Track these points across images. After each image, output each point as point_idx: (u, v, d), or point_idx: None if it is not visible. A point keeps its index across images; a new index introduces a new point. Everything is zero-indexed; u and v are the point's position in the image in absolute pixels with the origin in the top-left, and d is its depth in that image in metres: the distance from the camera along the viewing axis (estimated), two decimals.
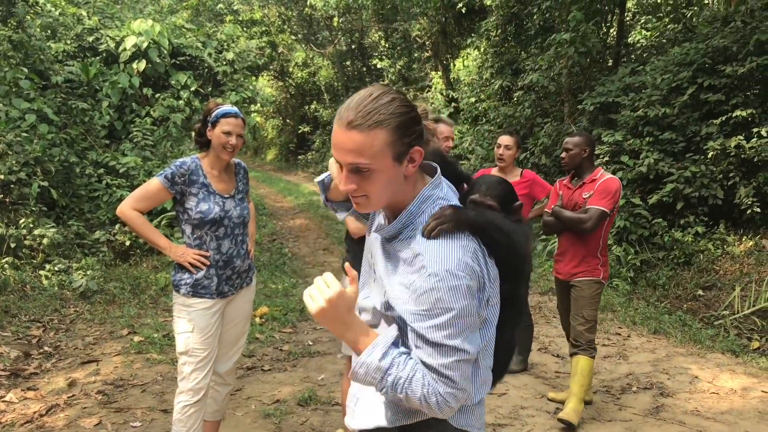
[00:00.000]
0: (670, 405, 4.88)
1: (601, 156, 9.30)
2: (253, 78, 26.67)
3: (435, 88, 18.75)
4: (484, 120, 14.88)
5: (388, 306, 1.73)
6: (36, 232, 8.00)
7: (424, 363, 1.61)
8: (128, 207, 3.40)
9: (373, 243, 1.85)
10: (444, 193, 1.75)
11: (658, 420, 4.61)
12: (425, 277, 1.57)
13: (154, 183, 3.41)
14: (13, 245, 7.77)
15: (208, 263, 3.44)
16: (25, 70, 9.67)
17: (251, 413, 4.64)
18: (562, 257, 4.72)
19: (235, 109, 3.51)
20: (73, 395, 4.94)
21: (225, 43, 13.93)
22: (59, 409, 4.70)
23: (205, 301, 3.45)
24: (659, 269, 8.14)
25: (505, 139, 5.32)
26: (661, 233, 8.36)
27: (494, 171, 5.48)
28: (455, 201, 1.77)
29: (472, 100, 15.68)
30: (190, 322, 3.44)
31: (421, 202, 1.71)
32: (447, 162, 1.93)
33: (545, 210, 4.81)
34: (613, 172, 8.95)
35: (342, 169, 1.63)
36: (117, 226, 9.04)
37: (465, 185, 1.98)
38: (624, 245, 8.53)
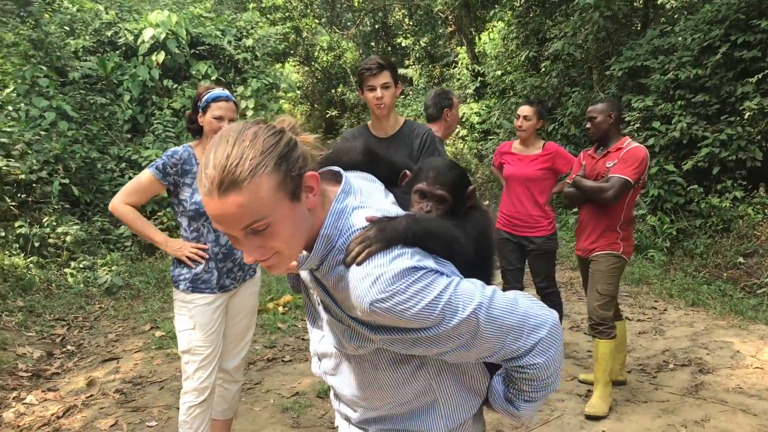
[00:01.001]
0: (710, 382, 4.61)
1: (632, 123, 8.94)
2: (279, 65, 26.60)
3: (461, 63, 18.39)
4: (512, 93, 14.52)
5: (351, 338, 1.50)
6: (59, 230, 7.99)
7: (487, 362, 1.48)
8: (120, 201, 3.26)
9: (307, 278, 1.60)
10: (360, 200, 1.49)
11: (698, 399, 4.36)
12: (373, 308, 1.33)
13: (146, 175, 3.26)
14: (37, 244, 7.77)
15: (207, 256, 3.28)
16: (44, 68, 9.64)
17: (269, 407, 4.51)
18: (581, 232, 4.47)
19: (225, 92, 3.32)
20: (92, 395, 4.87)
21: (245, 30, 13.77)
22: (77, 410, 4.63)
23: (206, 297, 3.29)
24: (696, 238, 7.79)
25: (524, 110, 5.06)
26: (698, 200, 8.00)
27: (515, 143, 5.23)
28: (376, 198, 1.53)
29: (499, 73, 15.31)
30: (191, 318, 3.30)
31: (334, 221, 1.43)
32: (375, 155, 1.70)
33: (566, 181, 4.55)
34: (645, 139, 8.60)
35: (237, 241, 1.36)
36: None
37: (407, 172, 1.74)
38: (659, 214, 8.20)
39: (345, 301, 1.41)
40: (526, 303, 1.42)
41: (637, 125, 8.92)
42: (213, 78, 12.16)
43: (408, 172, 1.73)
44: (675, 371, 4.84)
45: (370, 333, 1.40)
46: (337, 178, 1.55)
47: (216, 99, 3.25)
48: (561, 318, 5.29)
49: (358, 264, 1.35)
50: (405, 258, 1.34)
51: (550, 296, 5.13)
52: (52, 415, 4.58)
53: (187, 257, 3.26)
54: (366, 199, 1.50)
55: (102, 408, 4.64)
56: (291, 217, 1.34)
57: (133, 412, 4.55)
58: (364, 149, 1.69)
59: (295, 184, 1.33)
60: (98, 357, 5.72)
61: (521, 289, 5.23)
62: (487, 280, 1.58)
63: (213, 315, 3.32)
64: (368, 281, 1.32)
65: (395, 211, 1.49)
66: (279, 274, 1.47)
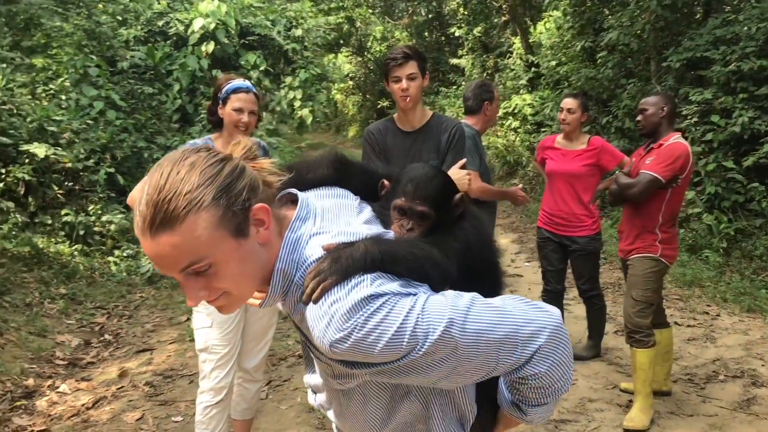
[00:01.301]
0: (765, 397, 4.31)
1: (689, 116, 8.52)
2: (332, 55, 26.58)
3: (515, 53, 18.00)
4: (566, 84, 14.11)
5: (334, 375, 1.36)
6: (104, 218, 8.07)
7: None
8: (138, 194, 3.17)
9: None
10: (319, 225, 1.33)
11: (749, 415, 4.07)
12: (334, 350, 1.18)
13: None
14: (82, 232, 7.86)
15: None
16: (94, 57, 9.77)
17: (296, 406, 4.41)
18: (621, 233, 4.24)
19: (246, 83, 3.20)
20: (122, 387, 4.86)
21: (294, 20, 13.73)
22: (106, 402, 4.62)
23: None
24: (756, 238, 7.36)
25: (567, 102, 4.83)
26: (758, 198, 7.55)
27: (559, 138, 5.00)
28: (343, 219, 1.37)
29: (553, 63, 14.89)
30: (209, 316, 3.21)
31: (289, 253, 1.29)
32: (346, 166, 1.54)
33: (613, 178, 4.32)
34: (702, 134, 8.19)
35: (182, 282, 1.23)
36: None
37: (385, 182, 1.56)
38: (716, 213, 7.79)
39: (313, 340, 1.26)
40: (517, 308, 1.24)
41: (695, 119, 8.49)
42: (261, 68, 12.17)
43: (386, 182, 1.55)
44: (725, 383, 4.54)
45: (348, 368, 1.25)
46: (291, 199, 1.41)
47: (236, 90, 3.13)
48: (604, 321, 5.04)
49: (315, 302, 1.20)
50: (362, 287, 1.18)
51: (592, 299, 4.90)
52: (83, 405, 4.58)
53: None
54: (327, 223, 1.35)
55: (131, 401, 4.61)
56: (236, 256, 1.20)
57: (161, 405, 4.52)
58: (333, 161, 1.52)
59: (241, 218, 1.20)
60: (133, 347, 5.73)
61: (562, 291, 5.02)
62: (495, 293, 1.40)
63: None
64: (325, 321, 1.17)
65: (362, 232, 1.32)
66: (234, 310, 1.32)
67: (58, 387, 4.91)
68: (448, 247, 1.36)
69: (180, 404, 4.50)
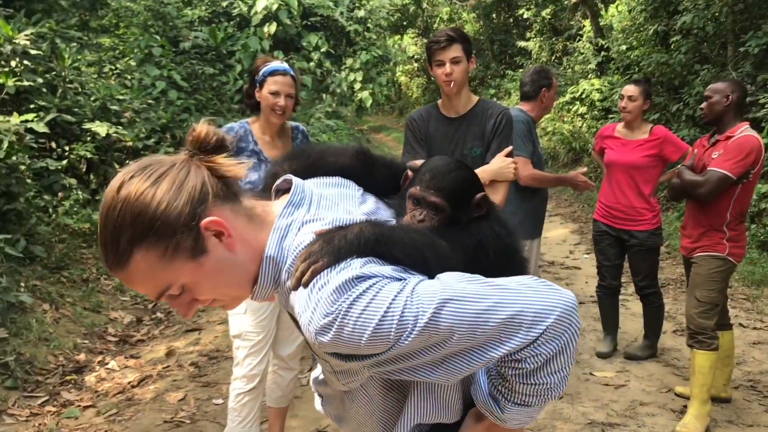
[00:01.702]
0: None
1: (767, 106, 8.04)
2: (397, 36, 26.39)
3: (585, 36, 17.46)
4: (636, 69, 13.59)
5: (335, 372, 1.26)
6: None
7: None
8: None
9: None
10: (313, 212, 1.23)
11: None
12: (320, 340, 1.08)
13: None
14: None
15: None
16: (158, 37, 9.90)
17: None
18: (684, 229, 3.99)
19: (283, 65, 3.11)
20: (168, 366, 4.90)
21: (357, 1, 13.62)
22: (151, 381, 4.66)
23: None
24: None
25: (629, 89, 4.58)
26: None
27: (619, 127, 4.76)
28: (342, 207, 1.27)
29: (624, 47, 14.36)
30: (243, 303, 3.15)
31: (279, 240, 1.20)
32: (369, 159, 1.44)
33: (675, 170, 4.07)
34: None
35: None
36: None
37: (409, 172, 1.44)
38: None
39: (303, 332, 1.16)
40: (525, 286, 1.10)
41: None
42: (323, 50, 12.13)
43: (410, 172, 1.44)
44: None
45: (343, 362, 1.14)
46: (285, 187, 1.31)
47: (273, 73, 3.04)
48: (662, 320, 4.80)
49: (305, 286, 1.10)
50: (349, 269, 1.08)
51: (649, 297, 4.66)
52: (128, 383, 4.64)
53: None
54: (323, 210, 1.24)
55: (175, 380, 4.64)
56: (202, 273, 1.15)
57: (203, 387, 4.53)
58: (356, 153, 1.42)
59: (191, 239, 1.12)
60: (183, 326, 5.78)
61: (618, 287, 4.80)
62: None
63: None
64: (311, 307, 1.08)
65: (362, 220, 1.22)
66: (234, 307, 1.27)
67: (107, 363, 4.99)
68: (456, 241, 1.24)
69: (222, 387, 4.50)
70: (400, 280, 1.10)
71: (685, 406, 3.95)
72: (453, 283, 1.09)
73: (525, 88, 4.36)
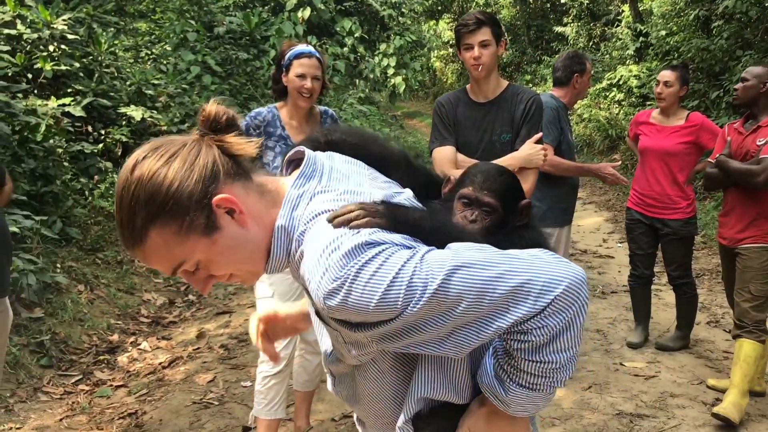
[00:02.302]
0: None
1: None
2: (433, 21, 26.20)
3: (623, 21, 17.14)
4: (676, 55, 13.31)
5: (345, 343, 1.25)
6: None
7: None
8: None
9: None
10: (324, 184, 1.23)
11: None
12: (329, 304, 1.08)
13: None
14: None
15: None
16: (193, 23, 9.97)
17: None
18: (726, 218, 3.89)
19: (309, 48, 3.10)
20: (198, 348, 4.97)
21: None
22: (181, 362, 4.73)
23: None
24: None
25: (665, 75, 4.48)
26: None
27: (654, 113, 4.67)
28: (353, 180, 1.26)
29: (663, 33, 14.06)
30: (271, 286, 3.18)
31: (290, 210, 1.21)
32: (412, 165, 1.44)
33: (708, 160, 3.97)
34: None
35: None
36: None
37: (451, 178, 1.47)
38: None
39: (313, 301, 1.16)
40: (535, 257, 1.10)
41: None
42: (357, 35, 12.10)
43: (453, 178, 1.46)
44: None
45: (352, 331, 1.14)
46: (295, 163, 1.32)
47: (298, 56, 3.04)
48: (695, 311, 4.71)
49: (346, 223, 1.11)
50: (359, 235, 1.09)
51: (683, 287, 4.58)
52: (159, 364, 4.71)
53: None
54: (334, 182, 1.24)
55: (205, 362, 4.71)
56: (217, 250, 1.17)
57: (232, 369, 4.58)
58: (403, 156, 1.43)
59: (204, 217, 1.14)
60: (214, 309, 5.85)
61: (651, 276, 4.72)
62: None
63: (293, 284, 3.17)
64: (320, 271, 1.08)
65: (374, 193, 1.22)
66: (253, 281, 1.35)
67: (139, 344, 5.07)
68: (504, 247, 1.22)
69: (251, 369, 4.54)
70: (410, 248, 1.09)
71: (718, 399, 3.87)
72: (463, 251, 1.08)
73: (557, 74, 4.31)
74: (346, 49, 11.86)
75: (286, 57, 3.07)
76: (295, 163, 1.37)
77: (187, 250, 1.14)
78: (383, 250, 1.07)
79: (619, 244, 7.73)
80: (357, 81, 12.10)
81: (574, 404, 3.91)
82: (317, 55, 3.11)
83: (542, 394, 1.18)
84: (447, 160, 2.99)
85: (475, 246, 1.11)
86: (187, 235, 1.13)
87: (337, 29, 12.02)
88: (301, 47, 3.09)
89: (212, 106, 1.21)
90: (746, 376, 3.65)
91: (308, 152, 1.30)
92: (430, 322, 1.08)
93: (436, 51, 23.24)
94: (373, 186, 1.28)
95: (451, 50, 29.63)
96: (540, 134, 2.99)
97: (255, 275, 1.28)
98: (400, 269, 1.05)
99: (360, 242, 1.07)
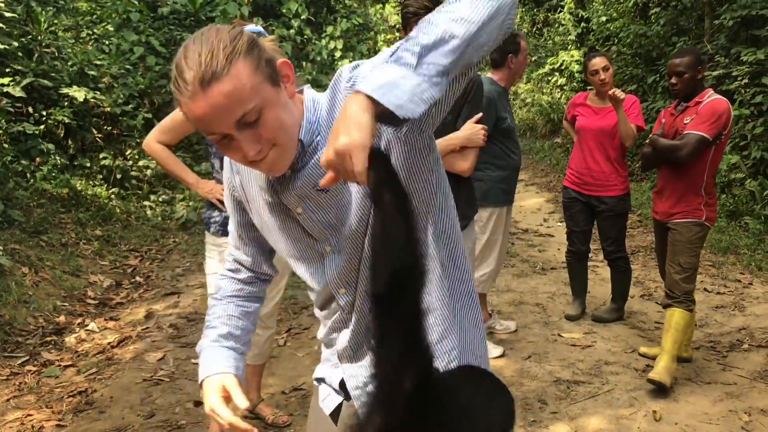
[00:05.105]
0: None
1: (740, 78, 8.18)
2: (379, 5, 26.15)
3: (565, 7, 17.50)
4: (615, 40, 13.69)
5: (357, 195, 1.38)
6: (141, 163, 8.20)
7: None
8: (153, 140, 3.19)
9: (280, 208, 1.46)
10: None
11: None
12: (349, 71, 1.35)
13: (180, 113, 3.17)
14: (119, 176, 8.01)
15: None
16: (136, 2, 9.80)
17: (312, 354, 4.46)
18: (659, 195, 4.11)
19: (258, 28, 3.14)
20: (147, 328, 4.99)
21: None
22: (131, 342, 4.75)
23: None
24: None
25: (598, 62, 4.65)
26: None
27: (591, 95, 4.87)
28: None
29: (603, 19, 14.44)
30: (221, 262, 3.24)
31: (315, 110, 1.40)
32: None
33: (646, 142, 4.19)
34: (752, 96, 7.87)
35: (229, 145, 1.28)
36: None
37: None
38: (760, 179, 7.53)
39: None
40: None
41: (745, 81, 8.16)
42: (303, 17, 12.07)
43: None
44: (749, 352, 4.44)
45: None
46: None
47: None
48: (629, 284, 4.96)
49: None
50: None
51: (617, 261, 4.82)
52: (108, 344, 4.72)
53: (218, 200, 3.19)
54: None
55: (154, 341, 4.74)
56: (276, 102, 1.29)
57: (182, 348, 4.63)
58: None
59: (271, 68, 1.29)
60: (162, 290, 5.87)
61: (587, 252, 4.95)
62: None
63: None
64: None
65: None
66: (282, 169, 1.34)
67: (87, 325, 5.06)
68: None
69: None
70: None
71: (648, 366, 4.11)
72: None
73: (493, 55, 4.34)
74: (292, 31, 11.82)
75: None
76: None
77: (256, 91, 1.23)
78: None
79: (559, 224, 7.99)
80: (304, 63, 12.08)
81: (514, 372, 4.11)
82: (266, 34, 3.16)
83: (425, 83, 1.09)
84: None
85: None
86: (259, 75, 1.24)
87: (284, 11, 11.95)
88: (251, 27, 3.13)
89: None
90: (676, 343, 3.89)
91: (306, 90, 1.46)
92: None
93: (383, 35, 23.24)
94: None
95: (397, 34, 29.73)
96: (480, 114, 3.12)
97: (289, 153, 1.33)
98: None
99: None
